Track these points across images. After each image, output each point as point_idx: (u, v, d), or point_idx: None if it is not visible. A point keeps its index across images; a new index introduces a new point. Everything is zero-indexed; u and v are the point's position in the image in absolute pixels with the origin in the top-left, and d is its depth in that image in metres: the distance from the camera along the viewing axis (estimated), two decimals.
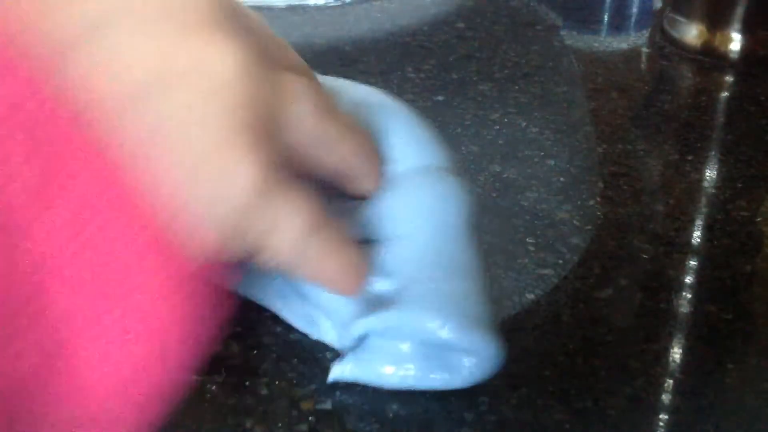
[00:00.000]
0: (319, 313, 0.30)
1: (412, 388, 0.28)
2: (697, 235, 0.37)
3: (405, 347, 0.28)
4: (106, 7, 0.22)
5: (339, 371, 0.28)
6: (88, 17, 0.22)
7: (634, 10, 0.65)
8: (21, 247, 0.20)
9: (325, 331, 0.30)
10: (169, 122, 0.22)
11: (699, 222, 0.38)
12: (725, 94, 0.52)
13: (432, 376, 0.28)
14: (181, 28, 0.23)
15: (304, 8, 0.63)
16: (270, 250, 0.25)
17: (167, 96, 0.22)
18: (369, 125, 0.30)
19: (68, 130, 0.21)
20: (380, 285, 0.28)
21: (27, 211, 0.20)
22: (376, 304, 0.28)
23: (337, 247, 0.26)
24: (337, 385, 0.29)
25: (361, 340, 0.29)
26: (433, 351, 0.28)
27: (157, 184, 0.22)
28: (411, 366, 0.28)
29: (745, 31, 0.53)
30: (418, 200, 0.30)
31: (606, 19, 0.64)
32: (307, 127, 0.26)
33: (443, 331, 0.27)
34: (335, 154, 0.27)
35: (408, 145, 0.30)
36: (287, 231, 0.24)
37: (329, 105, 0.27)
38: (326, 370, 0.29)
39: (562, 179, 0.41)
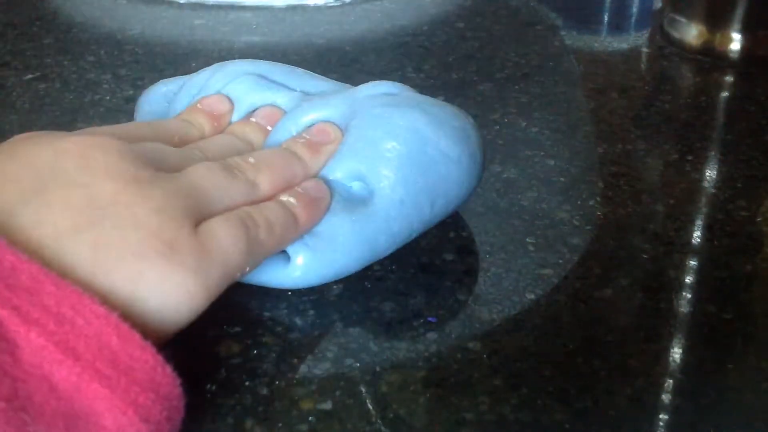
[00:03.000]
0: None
1: None
2: (697, 235, 0.37)
3: None
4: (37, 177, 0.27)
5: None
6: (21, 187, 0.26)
7: (634, 10, 0.65)
8: None
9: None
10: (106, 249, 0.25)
11: (699, 222, 0.38)
12: (725, 94, 0.52)
13: None
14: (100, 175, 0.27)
15: (304, 8, 0.63)
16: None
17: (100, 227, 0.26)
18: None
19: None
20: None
21: None
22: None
23: (277, 215, 0.30)
24: (337, 385, 0.29)
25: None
26: None
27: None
28: None
29: (745, 31, 0.53)
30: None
31: (606, 19, 0.64)
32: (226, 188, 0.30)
33: None
34: (261, 183, 0.31)
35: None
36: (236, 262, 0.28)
37: (229, 160, 0.31)
38: (326, 370, 0.29)
39: (562, 179, 0.41)
